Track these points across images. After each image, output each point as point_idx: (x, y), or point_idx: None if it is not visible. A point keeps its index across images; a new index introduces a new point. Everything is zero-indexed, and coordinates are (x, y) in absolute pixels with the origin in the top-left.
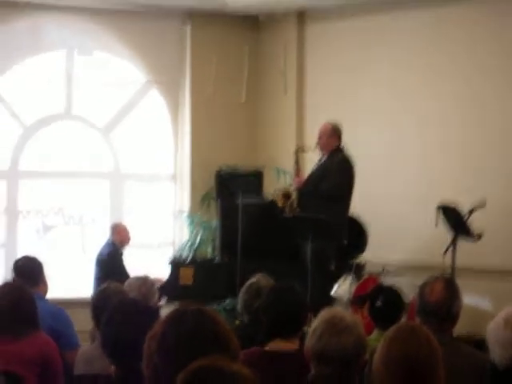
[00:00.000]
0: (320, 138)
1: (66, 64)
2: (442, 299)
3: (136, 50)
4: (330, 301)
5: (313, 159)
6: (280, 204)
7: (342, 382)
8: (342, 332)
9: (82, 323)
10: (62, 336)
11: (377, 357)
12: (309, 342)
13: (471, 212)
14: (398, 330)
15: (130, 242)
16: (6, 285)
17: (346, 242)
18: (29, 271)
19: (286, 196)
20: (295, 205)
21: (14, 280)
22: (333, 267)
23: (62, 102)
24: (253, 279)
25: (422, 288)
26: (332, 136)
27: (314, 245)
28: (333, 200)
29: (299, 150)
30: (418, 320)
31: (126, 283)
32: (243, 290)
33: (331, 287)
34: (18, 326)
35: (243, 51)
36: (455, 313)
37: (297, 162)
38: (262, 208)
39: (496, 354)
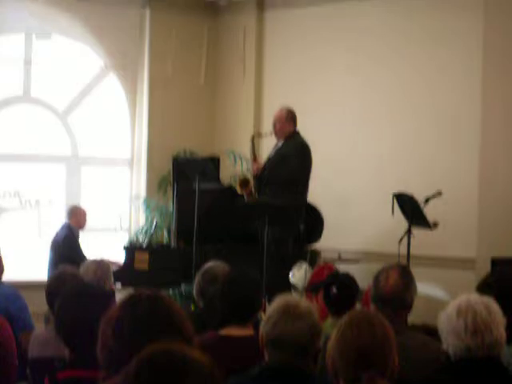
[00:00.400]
0: (275, 123)
1: (25, 47)
2: (396, 288)
3: (95, 34)
4: (286, 286)
5: (269, 144)
6: (239, 191)
7: (296, 368)
8: (297, 318)
9: (37, 306)
10: (17, 318)
11: (331, 343)
12: (263, 328)
13: (427, 201)
14: (352, 317)
15: (87, 226)
16: None
17: (302, 227)
18: None
19: (245, 183)
20: (254, 191)
21: None
22: (290, 253)
23: (20, 84)
24: (208, 265)
25: (377, 276)
26: (287, 121)
27: (271, 230)
28: (290, 185)
29: (255, 136)
30: (372, 308)
31: (82, 266)
32: (198, 275)
33: (288, 273)
34: None
35: (202, 36)
36: (409, 301)
37: (253, 149)
38: (218, 193)
39: (449, 343)
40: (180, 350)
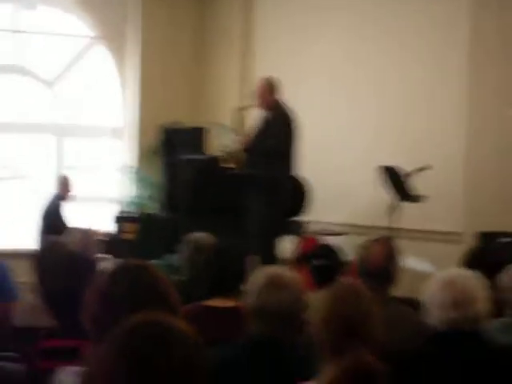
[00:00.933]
0: (257, 95)
1: (12, 17)
2: (380, 261)
3: (84, 4)
4: (274, 259)
5: (255, 116)
6: (232, 166)
7: (280, 339)
8: (282, 289)
9: (25, 275)
10: (1, 288)
11: (316, 315)
12: (248, 298)
13: (413, 173)
14: (337, 288)
15: (76, 196)
16: None
17: (288, 199)
18: None
19: (234, 157)
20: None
21: None
22: (278, 225)
23: (8, 54)
24: (194, 235)
25: (362, 250)
26: (269, 91)
27: (258, 201)
28: (277, 156)
29: (240, 110)
30: (359, 281)
31: (68, 234)
32: (184, 245)
33: (275, 245)
34: None
35: (193, 8)
36: (393, 274)
37: (238, 122)
38: (205, 164)
39: (434, 316)
40: (165, 320)
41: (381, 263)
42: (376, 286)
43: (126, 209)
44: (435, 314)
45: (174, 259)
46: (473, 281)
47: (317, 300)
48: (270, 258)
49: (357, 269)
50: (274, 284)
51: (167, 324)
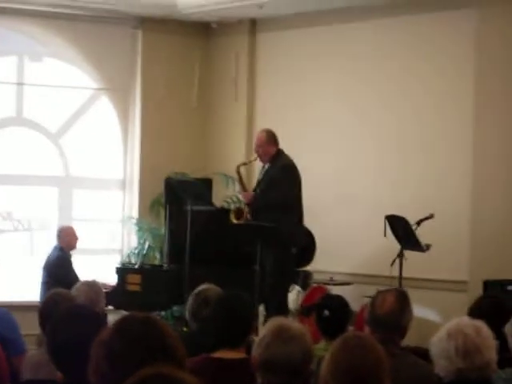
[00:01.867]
0: (257, 148)
1: (17, 70)
2: (392, 311)
3: (87, 56)
4: (285, 309)
5: (258, 167)
6: (234, 221)
7: None
8: (290, 341)
9: (29, 327)
10: (9, 341)
11: (324, 366)
12: (256, 350)
13: (419, 223)
14: (345, 340)
15: (78, 248)
16: None
17: (294, 250)
18: None
19: (239, 213)
20: (250, 218)
21: None
22: (287, 275)
23: (12, 106)
24: (201, 287)
25: (374, 298)
26: (268, 143)
27: (274, 253)
28: (282, 208)
29: (240, 166)
30: (367, 330)
31: (74, 288)
32: (191, 298)
33: (286, 295)
34: None
35: (194, 58)
36: (404, 325)
37: (240, 179)
38: (210, 215)
39: (441, 366)
40: (172, 373)
41: (392, 314)
42: (385, 336)
43: (130, 260)
44: (442, 364)
45: (180, 310)
46: (478, 330)
47: (324, 351)
48: (280, 308)
49: (366, 318)
50: (282, 336)
51: (174, 377)
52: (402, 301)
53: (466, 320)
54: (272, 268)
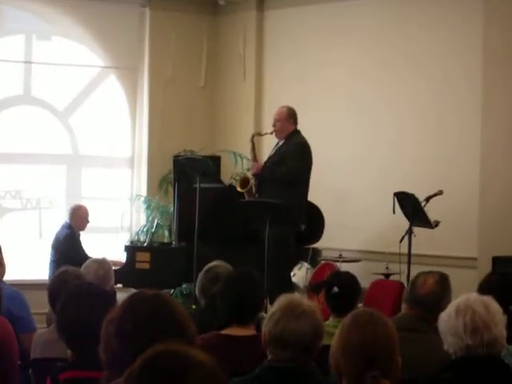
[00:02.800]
0: (275, 123)
1: (25, 48)
2: (432, 292)
3: (94, 35)
4: (289, 287)
5: (270, 144)
6: (239, 190)
7: (299, 367)
8: (300, 317)
9: (38, 305)
10: (19, 319)
11: (334, 343)
12: (266, 327)
13: (428, 200)
14: (355, 316)
15: (87, 226)
16: None
17: (303, 227)
18: None
19: (245, 182)
20: (254, 190)
21: None
22: (292, 253)
23: (20, 85)
24: (211, 264)
25: (416, 278)
26: (287, 120)
27: (273, 230)
28: (290, 184)
29: (255, 136)
30: (403, 307)
31: (84, 265)
32: (201, 274)
33: (289, 273)
34: None
35: (202, 35)
36: (442, 307)
37: (253, 148)
38: (219, 192)
39: (449, 343)
40: (183, 350)
41: (432, 295)
42: (421, 315)
43: (139, 238)
44: (451, 341)
45: (190, 288)
46: (487, 306)
47: (333, 328)
48: (286, 285)
49: (404, 297)
50: (293, 312)
51: (186, 354)
52: (443, 284)
53: (474, 296)
54: (277, 243)
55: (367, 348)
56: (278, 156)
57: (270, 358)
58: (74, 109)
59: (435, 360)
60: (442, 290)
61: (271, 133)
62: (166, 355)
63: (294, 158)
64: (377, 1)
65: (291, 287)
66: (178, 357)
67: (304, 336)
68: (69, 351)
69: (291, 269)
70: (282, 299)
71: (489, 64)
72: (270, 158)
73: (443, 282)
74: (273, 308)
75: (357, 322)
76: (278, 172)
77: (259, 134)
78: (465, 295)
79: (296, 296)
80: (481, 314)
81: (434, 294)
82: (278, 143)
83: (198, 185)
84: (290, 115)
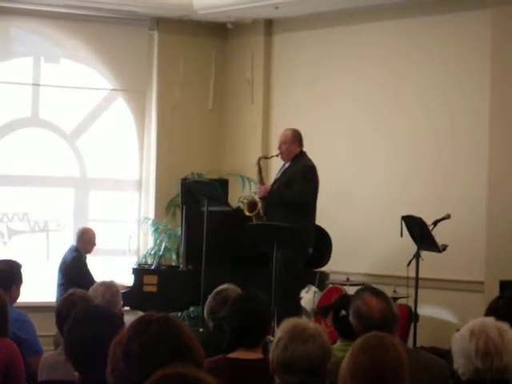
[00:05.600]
0: (281, 145)
1: (33, 71)
2: (383, 309)
3: (103, 58)
4: (298, 310)
5: (277, 166)
6: (247, 213)
7: None
8: (307, 341)
9: (46, 328)
10: (25, 342)
11: (343, 366)
12: (273, 352)
13: (436, 224)
14: (366, 340)
15: (95, 249)
16: None
17: (311, 250)
18: (1, 276)
19: (253, 205)
20: (262, 213)
21: None
22: (301, 276)
23: (28, 107)
24: (221, 287)
25: (357, 308)
26: (293, 143)
27: (282, 252)
28: (298, 207)
29: (262, 159)
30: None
31: (91, 289)
32: (210, 297)
33: (297, 296)
34: None
35: (210, 59)
36: (397, 317)
37: (260, 171)
38: (227, 216)
39: (459, 364)
40: (189, 373)
41: (386, 313)
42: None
43: (146, 261)
44: (461, 363)
45: (197, 311)
46: (502, 332)
47: (341, 352)
48: (294, 308)
49: (357, 329)
50: (300, 336)
51: (192, 377)
52: (383, 296)
53: (490, 321)
54: (286, 267)
55: (376, 372)
56: (285, 178)
57: (277, 382)
58: (82, 131)
59: (436, 377)
60: (388, 303)
61: (277, 155)
62: (173, 378)
63: (301, 180)
64: (386, 25)
65: (299, 311)
66: (186, 380)
67: (313, 359)
68: (76, 373)
69: (299, 292)
70: (287, 324)
71: (495, 86)
72: (276, 181)
73: (380, 294)
74: (278, 333)
75: (367, 345)
76: (286, 195)
77: (265, 157)
78: (481, 319)
79: (300, 320)
80: (494, 340)
81: (386, 311)
82: (283, 165)
83: (205, 208)
84: (296, 138)
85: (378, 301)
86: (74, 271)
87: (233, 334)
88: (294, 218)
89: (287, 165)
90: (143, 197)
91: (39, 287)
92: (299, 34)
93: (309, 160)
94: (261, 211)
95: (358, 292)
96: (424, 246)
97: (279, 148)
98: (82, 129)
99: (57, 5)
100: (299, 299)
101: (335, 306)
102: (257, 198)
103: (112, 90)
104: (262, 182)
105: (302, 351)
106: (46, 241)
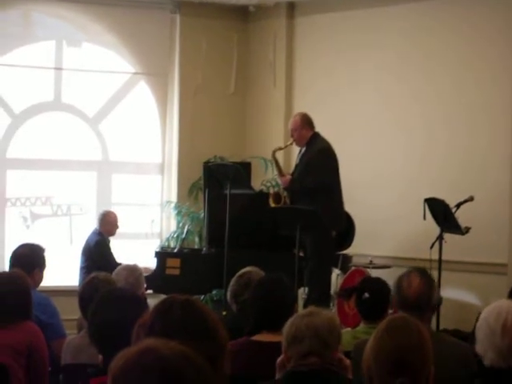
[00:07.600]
0: (293, 133)
1: (56, 55)
2: (421, 291)
3: (125, 41)
4: (327, 293)
5: (295, 151)
6: (273, 205)
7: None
8: (311, 315)
9: (69, 311)
10: (49, 326)
11: (367, 349)
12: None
13: (459, 206)
14: (391, 322)
15: (118, 232)
16: (3, 274)
17: (334, 233)
18: (24, 260)
19: (278, 197)
20: (288, 202)
21: (13, 268)
22: (328, 258)
23: (51, 91)
24: (244, 270)
25: (399, 282)
26: (303, 127)
27: (313, 235)
28: (321, 192)
29: (276, 151)
30: (392, 312)
31: (114, 272)
32: (233, 279)
33: (328, 278)
34: (6, 316)
35: (232, 42)
36: (434, 303)
37: (277, 163)
38: (249, 198)
39: (484, 347)
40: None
41: (422, 294)
42: (418, 318)
43: (169, 244)
44: (486, 345)
45: (220, 294)
46: None
47: (364, 334)
48: (323, 291)
49: (395, 303)
50: (304, 313)
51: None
52: (427, 279)
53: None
54: (312, 251)
55: (399, 354)
56: (303, 164)
57: (291, 363)
58: (105, 115)
59: (460, 360)
60: (428, 286)
61: (291, 143)
62: (143, 354)
63: (317, 166)
64: (411, 5)
65: (329, 294)
66: (157, 356)
67: (319, 328)
68: (100, 356)
69: (330, 275)
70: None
71: None
72: (296, 167)
73: (426, 277)
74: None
75: (391, 327)
76: (305, 183)
77: (280, 149)
78: (502, 301)
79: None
80: None
81: (423, 293)
82: (300, 150)
83: (228, 191)
84: (305, 122)
85: (419, 282)
86: (97, 255)
87: (256, 316)
88: (319, 202)
89: (303, 149)
90: (166, 180)
91: (62, 271)
92: (321, 16)
93: (322, 141)
94: (287, 201)
95: (409, 268)
96: (447, 229)
97: (292, 136)
98: (105, 112)
99: None
100: (329, 284)
101: (358, 288)
102: (281, 190)
103: (134, 73)
104: (281, 173)
105: (307, 321)
106: (69, 225)
